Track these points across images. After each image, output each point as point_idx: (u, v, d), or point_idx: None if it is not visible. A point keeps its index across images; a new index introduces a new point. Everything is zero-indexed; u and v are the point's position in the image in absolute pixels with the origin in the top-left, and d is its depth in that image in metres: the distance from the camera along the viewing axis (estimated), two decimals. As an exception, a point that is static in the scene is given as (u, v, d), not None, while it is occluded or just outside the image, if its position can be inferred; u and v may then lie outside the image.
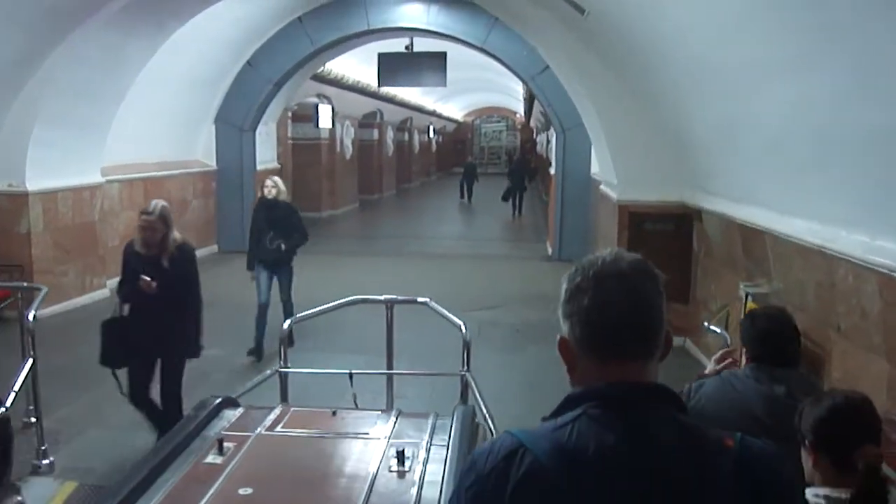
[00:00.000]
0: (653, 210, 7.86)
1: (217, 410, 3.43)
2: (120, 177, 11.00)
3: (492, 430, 3.44)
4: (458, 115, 48.42)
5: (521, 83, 24.20)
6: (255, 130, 14.13)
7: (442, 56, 14.94)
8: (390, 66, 15.11)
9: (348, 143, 23.24)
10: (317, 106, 18.63)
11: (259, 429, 3.21)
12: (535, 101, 25.84)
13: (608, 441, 1.27)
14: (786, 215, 4.98)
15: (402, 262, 13.79)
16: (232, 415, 3.42)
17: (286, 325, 4.49)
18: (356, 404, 4.08)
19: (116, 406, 5.29)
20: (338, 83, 18.55)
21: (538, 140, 35.77)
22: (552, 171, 14.38)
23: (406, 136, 34.67)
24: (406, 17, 13.40)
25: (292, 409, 3.53)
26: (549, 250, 14.14)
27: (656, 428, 1.29)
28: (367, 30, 13.47)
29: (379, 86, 15.60)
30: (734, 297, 6.01)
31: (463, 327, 4.21)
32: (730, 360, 3.23)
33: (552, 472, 1.26)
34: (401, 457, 2.89)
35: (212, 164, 13.97)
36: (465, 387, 4.14)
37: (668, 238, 7.78)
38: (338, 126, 21.75)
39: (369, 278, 11.51)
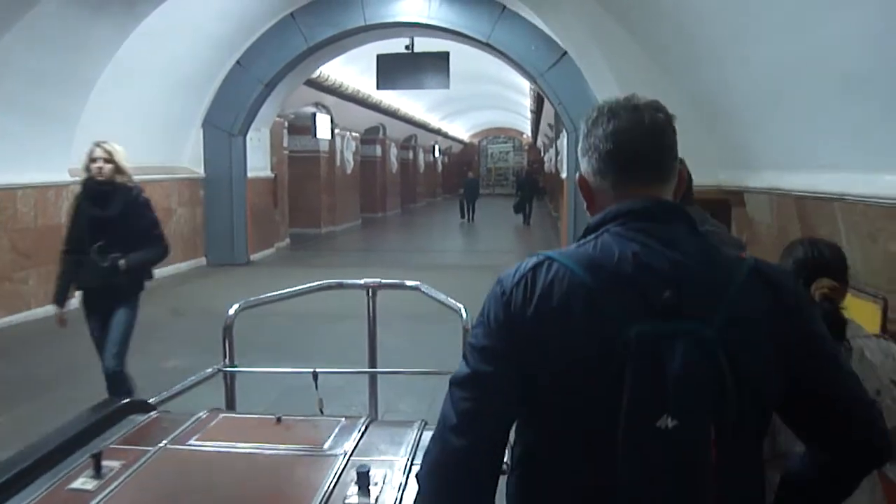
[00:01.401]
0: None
1: (116, 416, 2.44)
2: (93, 179, 10.02)
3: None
4: (465, 135, 47.86)
5: (527, 95, 23.59)
6: (245, 135, 13.22)
7: (444, 56, 14.09)
8: (390, 68, 14.27)
9: (349, 156, 22.36)
10: (314, 115, 17.78)
11: (165, 441, 2.22)
12: (543, 117, 25.21)
13: (631, 248, 1.34)
14: (862, 172, 3.99)
15: (406, 274, 12.79)
16: (135, 422, 2.42)
17: (233, 310, 3.47)
18: (322, 413, 3.10)
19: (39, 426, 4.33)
20: (336, 91, 17.71)
21: (546, 158, 34.93)
22: (563, 175, 13.39)
23: (411, 155, 33.85)
24: (405, 11, 12.53)
25: (222, 415, 2.53)
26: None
27: (676, 235, 1.36)
28: (363, 26, 12.60)
29: (378, 87, 14.70)
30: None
31: (463, 311, 3.21)
32: None
33: (579, 273, 1.33)
34: (363, 480, 1.89)
35: (199, 170, 13.04)
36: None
37: (703, 228, 6.82)
38: (338, 138, 20.89)
39: (385, 293, 10.51)
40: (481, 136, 50.61)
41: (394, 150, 29.45)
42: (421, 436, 2.27)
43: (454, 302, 3.29)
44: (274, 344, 7.48)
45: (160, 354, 6.84)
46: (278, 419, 2.41)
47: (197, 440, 2.26)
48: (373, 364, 3.72)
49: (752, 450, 1.38)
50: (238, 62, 12.79)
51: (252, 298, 3.56)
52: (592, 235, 1.40)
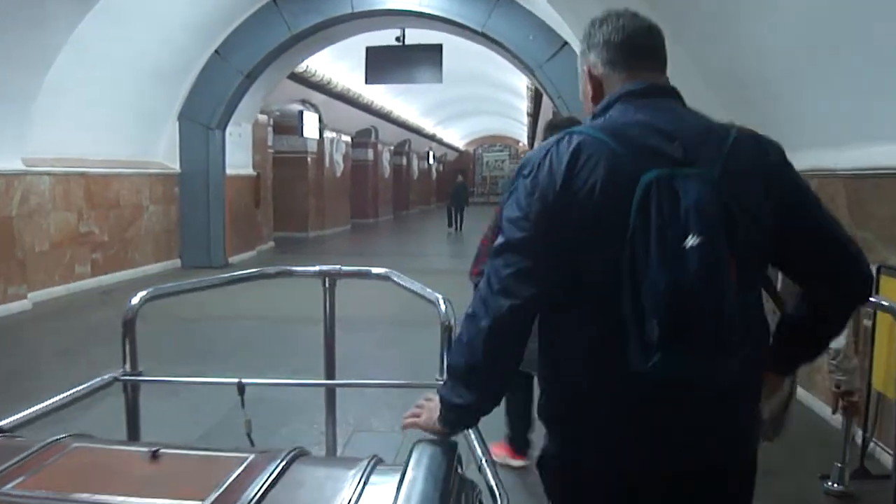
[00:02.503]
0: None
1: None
2: (52, 169, 9.21)
3: (494, 487, 1.59)
4: (460, 142, 47.22)
5: (524, 97, 22.82)
6: (224, 129, 12.42)
7: (437, 49, 13.32)
8: (379, 61, 13.49)
9: (339, 158, 21.55)
10: (301, 113, 16.98)
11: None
12: (540, 119, 24.37)
13: (638, 116, 1.59)
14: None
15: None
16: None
17: (136, 299, 2.65)
18: (250, 440, 2.30)
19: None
20: (325, 89, 16.93)
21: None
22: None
23: (404, 160, 33.08)
24: (395, -2, 11.78)
25: (75, 444, 1.70)
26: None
27: (673, 108, 1.64)
28: (351, 13, 11.83)
29: (367, 82, 13.91)
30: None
31: (441, 302, 2.40)
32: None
33: (598, 135, 1.55)
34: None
35: (175, 166, 12.22)
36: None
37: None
38: (327, 140, 20.09)
39: (355, 292, 9.70)
40: (476, 143, 50.03)
41: (386, 155, 28.67)
42: (366, 480, 1.45)
43: (430, 291, 2.48)
44: (238, 349, 6.66)
45: (103, 363, 6.00)
46: (154, 453, 1.58)
47: (18, 485, 1.45)
48: (330, 374, 2.90)
49: (759, 272, 1.64)
50: (217, 51, 12.01)
51: (165, 286, 2.74)
52: (602, 113, 1.64)
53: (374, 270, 2.86)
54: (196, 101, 12.13)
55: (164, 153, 12.09)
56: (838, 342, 2.89)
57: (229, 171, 12.66)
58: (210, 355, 6.43)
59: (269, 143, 15.98)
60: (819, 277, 1.67)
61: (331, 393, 2.92)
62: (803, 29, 4.44)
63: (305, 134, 17.63)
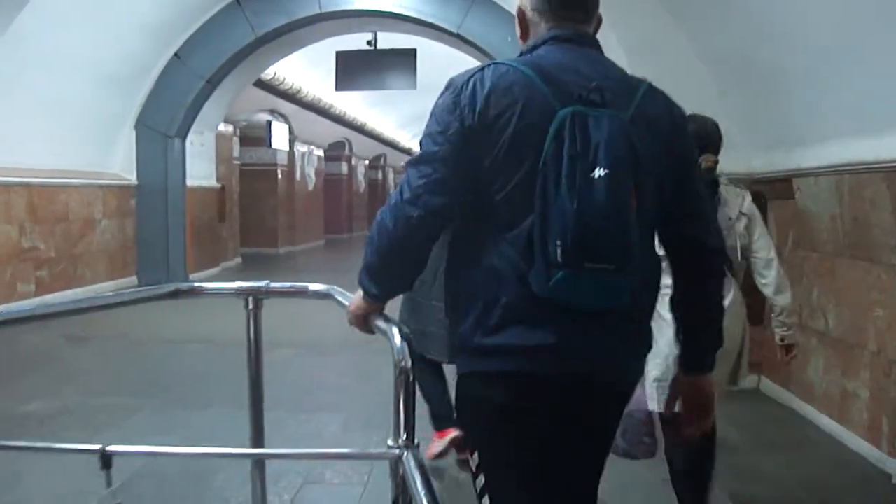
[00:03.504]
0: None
1: None
2: (-12, 180, 8.41)
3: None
4: (436, 157, 46.60)
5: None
6: (184, 138, 11.64)
7: (411, 53, 12.64)
8: (350, 66, 12.77)
9: (310, 171, 20.78)
10: (269, 123, 16.23)
11: None
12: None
13: (563, 57, 1.73)
14: None
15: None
16: None
17: None
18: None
19: None
20: (294, 98, 16.17)
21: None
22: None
23: (380, 175, 32.35)
24: (366, -3, 11.09)
25: None
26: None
27: (595, 55, 1.78)
28: (318, 14, 11.10)
29: (337, 88, 13.16)
30: (871, 303, 3.59)
31: (396, 336, 1.71)
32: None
33: (524, 70, 1.66)
34: None
35: (132, 177, 11.42)
36: (402, 482, 1.62)
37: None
38: (297, 152, 19.34)
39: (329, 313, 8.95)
40: (454, 158, 49.51)
41: (361, 169, 27.94)
42: None
43: (384, 321, 1.83)
44: (181, 380, 5.88)
45: (28, 393, 5.22)
46: None
47: None
48: (257, 432, 2.17)
49: (654, 215, 1.74)
50: (176, 54, 11.24)
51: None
52: (528, 53, 1.77)
53: (313, 287, 2.15)
54: (154, 108, 11.35)
55: (121, 163, 11.28)
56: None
57: (191, 182, 11.87)
58: (149, 387, 5.62)
59: (236, 154, 15.20)
60: (681, 241, 1.83)
61: (257, 470, 2.19)
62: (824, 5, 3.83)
63: (274, 145, 16.90)
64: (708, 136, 2.97)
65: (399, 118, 27.40)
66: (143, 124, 11.37)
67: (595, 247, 1.56)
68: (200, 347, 6.91)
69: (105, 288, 10.68)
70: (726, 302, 2.46)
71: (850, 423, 4.27)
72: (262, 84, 14.18)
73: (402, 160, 36.39)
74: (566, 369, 1.66)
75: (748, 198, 3.07)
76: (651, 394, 2.88)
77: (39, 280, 9.30)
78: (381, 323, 1.85)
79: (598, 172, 1.56)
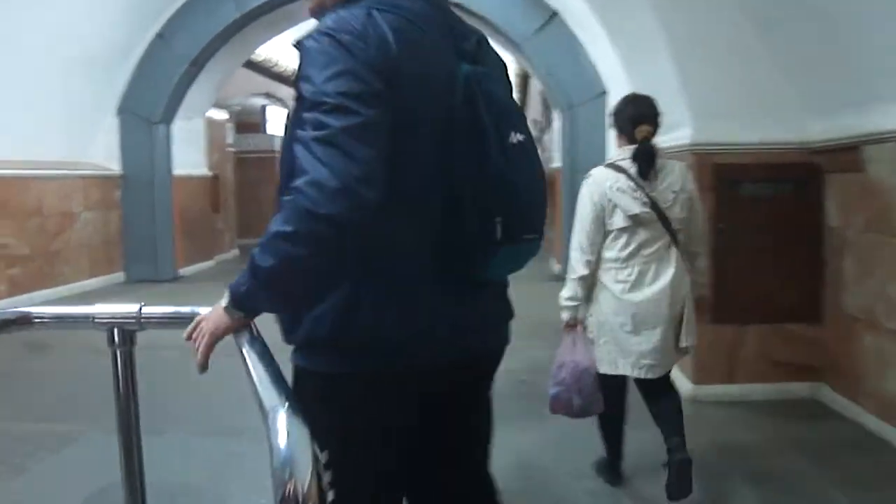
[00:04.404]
0: (753, 160, 4.56)
1: None
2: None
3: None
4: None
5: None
6: (169, 124, 10.89)
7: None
8: (346, 44, 11.97)
9: (312, 158, 20.02)
10: (264, 108, 15.47)
11: None
12: (528, 112, 22.97)
13: (427, 7, 1.55)
14: None
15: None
16: None
17: None
18: None
19: None
20: (291, 80, 15.41)
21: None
22: (556, 165, 11.11)
23: (385, 161, 31.61)
24: (360, -32, 10.27)
25: None
26: (556, 267, 10.89)
27: (449, 9, 1.64)
28: (309, -14, 10.31)
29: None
30: None
31: (274, 417, 1.01)
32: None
33: (410, 20, 1.48)
34: None
35: (115, 167, 10.69)
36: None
37: (783, 208, 4.55)
38: (297, 138, 18.57)
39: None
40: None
41: (365, 155, 27.18)
42: None
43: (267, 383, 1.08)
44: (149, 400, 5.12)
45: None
46: None
47: None
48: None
49: None
50: (159, 34, 10.49)
51: None
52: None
53: (184, 310, 1.47)
54: (137, 93, 10.60)
55: (103, 153, 10.55)
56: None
57: (179, 171, 11.12)
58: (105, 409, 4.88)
59: (230, 140, 14.43)
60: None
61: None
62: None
63: (270, 131, 16.12)
64: (643, 112, 3.22)
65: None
66: (127, 110, 10.64)
67: (531, 218, 1.53)
68: (174, 356, 6.18)
69: (89, 285, 10.00)
70: (671, 270, 3.12)
71: None
72: (254, 66, 13.48)
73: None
74: (464, 353, 1.59)
75: (689, 176, 3.29)
76: (601, 357, 3.20)
77: (12, 279, 8.60)
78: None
79: (515, 138, 1.50)
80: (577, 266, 3.17)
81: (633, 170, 3.11)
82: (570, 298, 3.19)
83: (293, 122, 1.43)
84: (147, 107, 10.65)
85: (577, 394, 3.13)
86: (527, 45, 10.00)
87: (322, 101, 1.35)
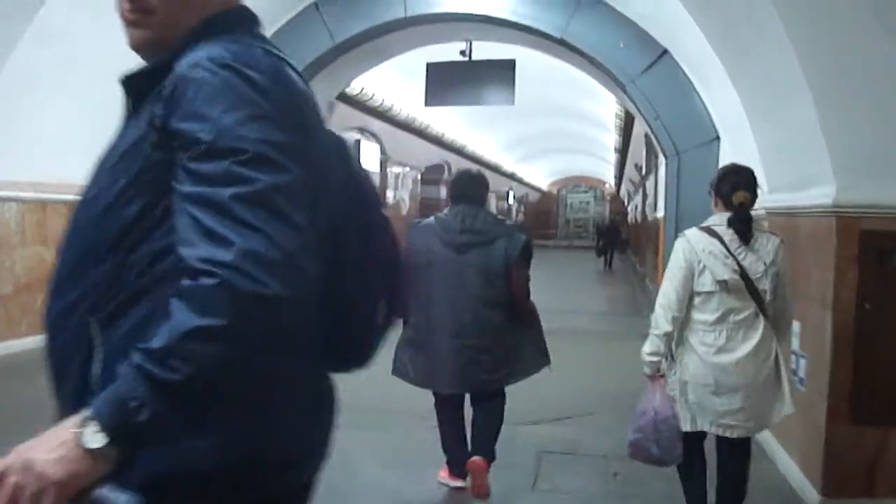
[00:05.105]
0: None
1: None
2: (22, 195, 7.52)
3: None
4: (543, 182, 45.35)
5: (611, 131, 20.52)
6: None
7: (509, 65, 11.28)
8: (441, 79, 11.54)
9: (404, 195, 19.71)
10: (358, 142, 15.23)
11: None
12: (629, 156, 22.16)
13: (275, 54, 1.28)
14: None
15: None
16: None
17: None
18: None
19: None
20: (385, 115, 15.14)
21: (630, 208, 31.84)
22: (659, 215, 10.26)
23: (481, 200, 31.14)
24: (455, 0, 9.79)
25: None
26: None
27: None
28: (403, 18, 9.89)
29: (426, 104, 11.94)
30: None
31: None
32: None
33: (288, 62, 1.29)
34: None
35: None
36: None
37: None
38: (391, 173, 18.28)
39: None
40: (561, 184, 48.13)
41: (461, 193, 26.80)
42: None
43: None
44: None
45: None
46: None
47: None
48: None
49: None
50: (250, 64, 10.27)
51: None
52: (225, 33, 1.29)
53: None
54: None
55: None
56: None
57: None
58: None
59: (320, 174, 14.21)
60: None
61: None
62: None
63: (364, 166, 15.83)
64: (737, 177, 3.32)
65: (501, 141, 26.23)
66: (213, 139, 10.43)
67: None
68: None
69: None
70: (756, 337, 3.17)
71: None
72: (348, 99, 13.19)
73: (504, 185, 35.08)
74: None
75: (783, 253, 3.27)
76: (684, 415, 3.23)
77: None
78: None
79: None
80: (662, 322, 3.20)
81: (727, 236, 3.17)
82: (653, 353, 3.24)
83: (148, 171, 1.18)
84: (234, 136, 10.41)
85: (655, 444, 3.20)
86: (632, 87, 9.25)
87: (237, 148, 1.09)
